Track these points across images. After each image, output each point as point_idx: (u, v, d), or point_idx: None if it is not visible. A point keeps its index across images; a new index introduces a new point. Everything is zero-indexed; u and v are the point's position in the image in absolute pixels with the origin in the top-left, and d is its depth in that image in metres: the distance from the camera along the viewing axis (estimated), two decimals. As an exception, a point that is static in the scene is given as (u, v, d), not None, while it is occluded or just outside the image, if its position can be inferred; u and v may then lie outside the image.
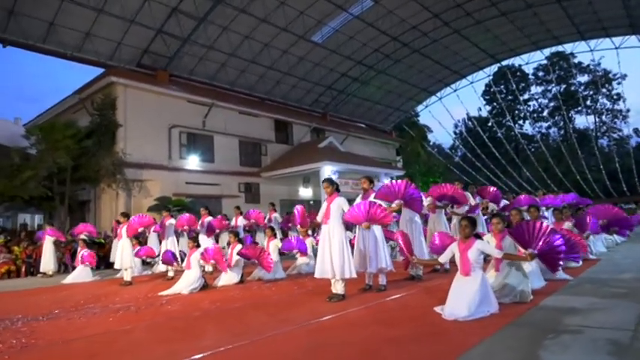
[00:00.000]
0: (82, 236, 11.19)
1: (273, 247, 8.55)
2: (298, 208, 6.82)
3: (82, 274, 9.90)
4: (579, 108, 43.21)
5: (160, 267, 10.02)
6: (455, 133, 49.29)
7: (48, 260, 11.34)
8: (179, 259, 8.33)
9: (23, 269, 12.19)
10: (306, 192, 24.46)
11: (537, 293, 5.20)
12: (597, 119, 44.83)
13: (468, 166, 40.86)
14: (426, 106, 38.36)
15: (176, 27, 20.44)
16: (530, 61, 35.90)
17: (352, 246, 6.18)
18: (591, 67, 41.90)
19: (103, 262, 12.68)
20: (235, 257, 7.89)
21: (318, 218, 5.93)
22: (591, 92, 44.05)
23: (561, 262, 4.90)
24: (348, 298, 5.59)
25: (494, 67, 36.53)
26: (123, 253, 8.76)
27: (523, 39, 30.66)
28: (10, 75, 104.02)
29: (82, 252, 10.04)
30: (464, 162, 42.65)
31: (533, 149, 44.39)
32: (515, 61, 36.35)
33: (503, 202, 10.15)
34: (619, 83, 42.77)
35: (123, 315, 5.33)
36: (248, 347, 3.58)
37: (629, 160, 38.89)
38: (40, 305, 6.30)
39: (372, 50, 27.33)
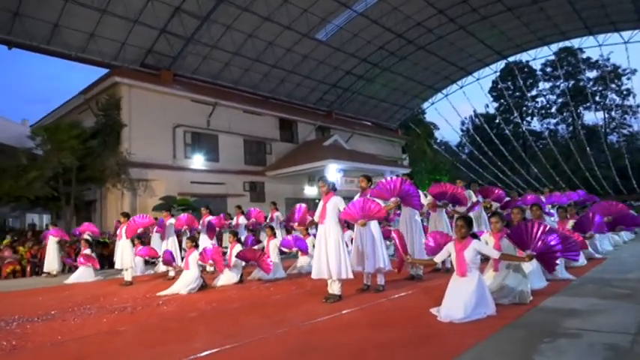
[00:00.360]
0: (86, 236, 11.25)
1: (272, 246, 8.50)
2: (301, 206, 6.77)
3: (84, 274, 9.91)
4: (588, 104, 42.63)
5: (162, 267, 10.02)
6: (462, 130, 48.96)
7: (52, 260, 11.40)
8: (179, 259, 8.31)
9: (28, 269, 12.26)
10: (311, 190, 24.39)
11: (538, 294, 5.10)
12: (606, 115, 44.25)
13: (475, 164, 40.53)
14: (432, 104, 38.10)
15: (179, 26, 20.43)
16: (538, 56, 35.53)
17: None
18: (600, 62, 41.29)
19: (107, 261, 12.71)
20: (234, 257, 7.85)
21: (315, 218, 5.86)
22: (600, 88, 43.44)
23: (558, 262, 4.79)
24: (344, 298, 5.52)
25: (501, 64, 36.16)
26: (123, 254, 8.76)
27: (529, 35, 30.27)
28: (19, 77, 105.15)
29: (83, 252, 10.06)
30: (471, 159, 42.30)
31: (541, 146, 43.90)
32: (522, 57, 35.98)
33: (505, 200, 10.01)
34: (629, 78, 42.22)
35: (118, 316, 5.31)
36: (237, 350, 3.53)
37: (639, 156, 38.28)
38: (38, 306, 6.30)
39: (377, 47, 27.14)
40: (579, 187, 30.20)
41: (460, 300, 4.16)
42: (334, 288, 5.52)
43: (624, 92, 42.98)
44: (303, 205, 7.16)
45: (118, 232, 9.34)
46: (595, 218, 6.57)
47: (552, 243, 4.56)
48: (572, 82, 44.29)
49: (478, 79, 36.03)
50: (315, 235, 9.72)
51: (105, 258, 12.71)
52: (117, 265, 9.01)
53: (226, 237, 11.23)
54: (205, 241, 9.42)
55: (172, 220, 9.68)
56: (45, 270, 11.46)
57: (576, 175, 37.23)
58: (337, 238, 5.50)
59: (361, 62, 28.04)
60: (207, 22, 20.74)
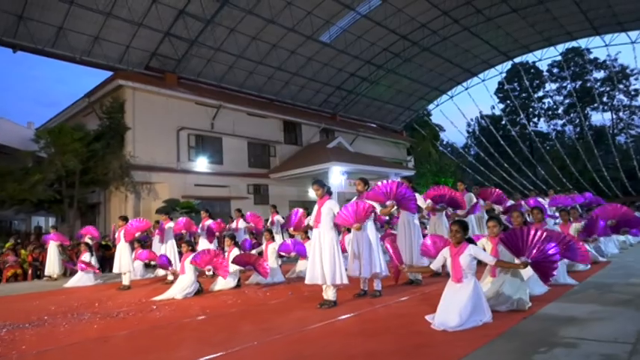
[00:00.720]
0: (86, 239, 11.24)
1: (271, 250, 8.42)
2: (298, 211, 6.68)
3: (83, 278, 9.88)
4: (595, 105, 42.16)
5: (161, 271, 9.96)
6: (468, 131, 48.64)
7: (52, 264, 11.40)
8: (177, 263, 8.24)
9: (30, 272, 12.27)
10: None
11: (537, 300, 4.96)
12: (614, 116, 43.74)
13: (481, 166, 40.22)
14: (437, 105, 37.90)
15: (183, 29, 20.50)
16: (544, 57, 35.20)
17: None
18: (607, 62, 40.83)
19: (109, 264, 12.68)
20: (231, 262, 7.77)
21: (310, 222, 5.77)
22: (608, 88, 42.96)
23: (554, 273, 4.64)
24: (340, 304, 5.42)
25: (507, 65, 35.86)
26: (121, 257, 8.72)
27: (535, 35, 30.00)
28: (27, 79, 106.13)
29: (82, 258, 10.03)
30: (477, 161, 41.97)
31: (548, 147, 43.46)
32: (528, 57, 35.70)
33: (510, 203, 9.86)
34: (637, 79, 41.65)
35: (109, 322, 5.25)
36: (222, 359, 3.44)
37: (648, 157, 37.71)
38: (32, 311, 6.26)
39: (381, 49, 27.05)
40: (587, 188, 29.86)
41: (455, 307, 4.04)
42: (329, 294, 5.42)
43: (632, 93, 42.50)
44: (301, 210, 7.06)
45: (116, 236, 9.29)
46: (599, 222, 6.40)
47: (550, 252, 4.42)
48: (579, 82, 43.85)
49: (484, 81, 35.83)
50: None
51: (107, 261, 12.68)
52: (115, 269, 8.96)
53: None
54: (205, 245, 9.36)
55: (171, 224, 9.63)
56: (46, 274, 11.46)
57: (584, 177, 36.80)
58: (332, 242, 5.40)
59: (365, 64, 27.96)
60: (212, 25, 20.81)
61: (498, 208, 8.80)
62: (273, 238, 8.73)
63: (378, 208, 5.87)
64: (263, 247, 8.66)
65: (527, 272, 5.38)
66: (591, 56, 41.05)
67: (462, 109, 37.73)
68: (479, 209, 8.40)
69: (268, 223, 11.63)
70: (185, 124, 19.78)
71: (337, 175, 20.75)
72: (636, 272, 6.83)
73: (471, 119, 48.33)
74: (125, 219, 9.08)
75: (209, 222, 10.01)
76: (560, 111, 45.09)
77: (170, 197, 17.80)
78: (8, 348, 4.12)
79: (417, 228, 6.82)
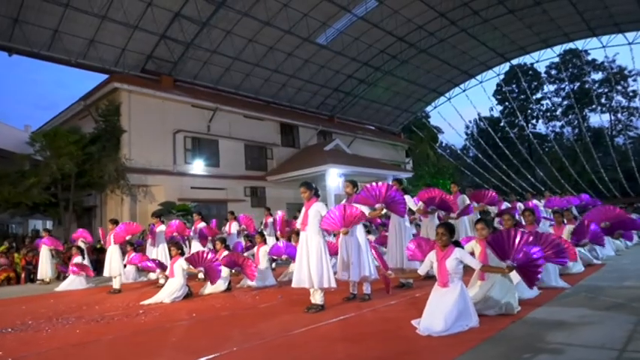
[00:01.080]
0: (79, 243, 11.16)
1: (262, 253, 8.33)
2: (278, 215, 6.59)
3: (75, 281, 9.81)
4: (594, 106, 42.15)
5: (153, 274, 9.88)
6: (466, 133, 48.60)
7: (45, 267, 11.35)
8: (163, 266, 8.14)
9: (23, 276, 12.21)
10: (312, 195, 24.21)
11: (527, 304, 4.89)
12: (613, 117, 43.72)
13: (479, 167, 40.16)
14: (435, 107, 37.84)
15: (179, 32, 20.46)
16: (541, 59, 35.13)
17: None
18: (605, 64, 40.85)
19: (102, 268, 12.60)
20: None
21: (297, 224, 5.70)
22: (606, 90, 42.95)
23: (538, 277, 4.56)
24: (328, 308, 5.35)
25: (504, 66, 35.82)
26: (111, 261, 8.65)
27: (532, 37, 29.97)
28: (25, 83, 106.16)
29: (74, 261, 9.95)
30: (476, 163, 41.91)
31: (546, 149, 43.45)
32: (526, 59, 35.64)
33: (505, 205, 9.79)
34: (635, 80, 41.62)
35: (92, 326, 5.18)
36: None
37: (646, 158, 37.63)
38: (18, 315, 6.18)
39: (378, 51, 27.00)
40: (586, 190, 29.78)
41: (441, 312, 3.96)
42: (316, 297, 5.34)
43: (630, 94, 42.48)
44: (279, 214, 6.98)
45: (106, 239, 9.21)
46: (590, 226, 6.31)
47: (535, 256, 4.35)
48: (577, 84, 43.85)
49: (481, 82, 35.77)
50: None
51: (100, 264, 12.59)
52: (105, 273, 8.89)
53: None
54: (197, 249, 9.28)
55: (162, 228, 9.56)
56: (38, 277, 11.40)
57: (583, 178, 36.75)
58: (319, 245, 5.33)
59: (362, 66, 27.90)
60: (207, 28, 20.77)
61: (493, 210, 8.72)
62: (265, 241, 8.63)
63: (367, 211, 5.80)
64: (255, 249, 8.57)
65: (517, 276, 5.33)
66: (589, 57, 41.08)
67: (460, 111, 37.72)
68: (472, 211, 8.31)
69: (262, 226, 11.56)
70: (181, 126, 19.71)
71: (334, 177, 20.67)
72: (630, 275, 6.74)
73: (470, 121, 48.36)
74: (115, 222, 9.01)
75: (202, 225, 9.94)
76: (558, 113, 45.08)
77: (166, 200, 17.74)
78: (-15, 355, 4.05)
79: (408, 230, 6.75)
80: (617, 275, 6.79)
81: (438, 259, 4.29)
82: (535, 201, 11.63)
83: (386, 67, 28.70)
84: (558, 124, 46.12)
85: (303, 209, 5.60)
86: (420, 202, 7.16)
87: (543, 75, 44.04)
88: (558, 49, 33.74)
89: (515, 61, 35.46)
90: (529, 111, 46.77)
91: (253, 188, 22.33)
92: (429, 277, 7.26)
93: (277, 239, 10.06)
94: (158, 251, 9.33)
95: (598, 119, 42.47)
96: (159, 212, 15.53)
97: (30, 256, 12.43)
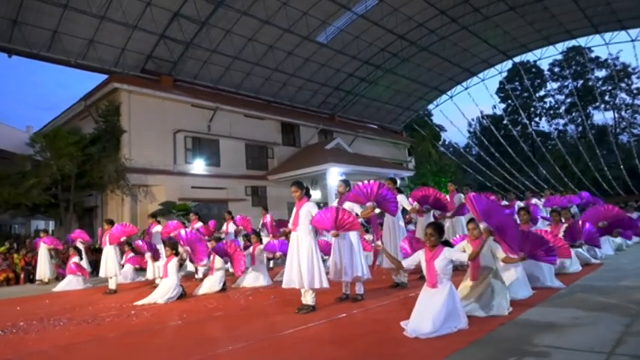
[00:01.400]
0: (78, 244, 11.17)
1: (258, 252, 8.32)
2: (267, 217, 6.57)
3: (72, 282, 9.83)
4: (597, 104, 41.86)
5: (150, 274, 9.85)
6: (469, 131, 48.42)
7: (44, 268, 11.37)
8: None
9: (22, 276, 12.24)
10: (314, 194, 24.19)
11: (520, 304, 4.82)
12: (616, 115, 43.41)
13: (482, 166, 39.97)
14: (437, 105, 37.72)
15: (178, 32, 20.45)
16: (543, 56, 34.95)
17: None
18: (609, 61, 40.54)
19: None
20: (217, 264, 7.68)
21: (289, 225, 5.66)
22: (610, 87, 42.65)
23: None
24: (319, 309, 5.30)
25: (506, 64, 35.63)
26: (107, 261, 8.64)
27: (534, 34, 29.77)
28: (27, 85, 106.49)
29: (73, 261, 9.96)
30: (478, 161, 41.72)
31: (550, 147, 43.20)
32: (528, 57, 35.47)
33: (503, 204, 9.71)
34: (639, 77, 41.38)
35: (83, 328, 5.16)
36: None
37: (650, 156, 37.30)
38: (10, 316, 6.18)
39: (379, 49, 26.90)
40: (589, 188, 29.63)
41: (429, 313, 3.91)
42: (307, 298, 5.30)
43: (634, 91, 42.17)
44: (268, 217, 6.97)
45: (102, 240, 9.21)
46: (585, 226, 6.22)
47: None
48: (580, 81, 43.56)
49: (483, 80, 35.60)
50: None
51: (99, 264, 12.60)
52: (101, 274, 8.87)
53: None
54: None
55: (159, 228, 9.54)
56: (37, 278, 11.43)
57: (586, 176, 36.51)
58: (310, 245, 5.28)
59: (363, 64, 27.82)
60: (207, 27, 20.75)
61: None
62: (261, 241, 8.61)
63: (359, 210, 5.75)
64: (251, 249, 8.54)
65: (513, 275, 5.28)
66: (592, 55, 40.76)
67: (462, 109, 37.57)
68: (467, 211, 8.22)
69: (260, 225, 11.52)
70: (181, 126, 19.70)
71: (335, 176, 20.58)
72: (628, 274, 6.66)
73: (472, 119, 48.16)
74: (111, 223, 9.00)
75: (199, 225, 9.91)
76: (561, 110, 44.81)
77: (167, 200, 17.73)
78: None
79: (402, 229, 6.70)
80: (615, 275, 6.71)
81: (427, 260, 4.24)
82: (535, 200, 11.53)
83: (387, 66, 28.60)
84: (562, 121, 45.87)
85: (294, 209, 5.56)
86: (415, 202, 7.09)
87: (546, 72, 43.80)
88: (561, 46, 33.54)
89: (517, 59, 35.32)
90: (532, 109, 46.52)
91: (254, 187, 22.30)
92: (423, 277, 7.27)
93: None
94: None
95: (602, 117, 42.23)
96: (162, 212, 15.66)
97: (29, 257, 12.46)
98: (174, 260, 7.17)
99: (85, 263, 10.81)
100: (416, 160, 34.01)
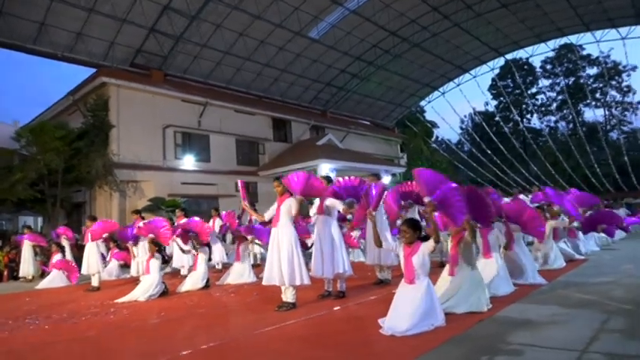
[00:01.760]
0: (63, 240, 11.04)
1: (243, 248, 8.27)
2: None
3: (55, 279, 9.69)
4: (588, 101, 42.11)
5: (134, 271, 9.75)
6: (461, 128, 48.52)
7: (27, 265, 11.21)
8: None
9: (5, 274, 12.08)
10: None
11: (500, 301, 4.81)
12: (607, 112, 43.69)
13: (474, 162, 40.09)
14: (429, 102, 37.74)
15: (168, 26, 20.20)
16: (535, 53, 34.98)
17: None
18: (600, 59, 40.78)
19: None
20: (200, 262, 7.61)
21: (266, 217, 5.63)
22: (600, 85, 42.90)
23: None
24: (300, 306, 5.25)
25: (498, 61, 35.65)
26: (89, 258, 8.53)
27: (526, 31, 29.79)
28: (16, 78, 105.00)
29: (54, 258, 9.83)
30: (470, 158, 41.84)
31: (541, 144, 43.42)
32: (520, 54, 35.50)
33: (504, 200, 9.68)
34: (629, 75, 41.67)
35: (58, 327, 5.08)
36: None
37: (639, 153, 37.65)
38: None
39: (371, 46, 26.79)
40: (579, 184, 29.80)
41: (406, 310, 3.87)
42: (288, 295, 5.24)
43: (625, 89, 42.46)
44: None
45: (85, 236, 9.09)
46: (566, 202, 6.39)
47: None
48: (572, 79, 43.77)
49: (475, 77, 35.62)
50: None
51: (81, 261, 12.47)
52: (83, 271, 8.76)
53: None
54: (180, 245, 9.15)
55: (141, 224, 9.41)
56: (21, 275, 11.27)
57: (576, 173, 36.73)
58: (290, 241, 5.22)
59: (355, 60, 27.70)
60: (197, 21, 20.51)
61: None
62: (245, 238, 8.53)
63: (341, 207, 5.70)
64: (235, 246, 8.48)
65: (491, 272, 5.26)
66: (584, 52, 40.97)
67: (454, 106, 37.60)
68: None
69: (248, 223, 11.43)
70: (171, 121, 19.54)
71: (326, 172, 20.57)
72: (609, 271, 6.67)
73: (465, 116, 48.28)
74: (94, 219, 8.89)
75: (184, 221, 9.79)
76: (553, 107, 45.03)
77: (156, 195, 17.58)
78: None
79: (386, 224, 6.65)
80: (597, 271, 6.72)
81: (405, 255, 4.18)
82: (522, 196, 11.51)
83: (379, 62, 28.51)
84: (553, 118, 46.13)
85: (275, 204, 5.50)
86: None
87: (538, 70, 43.95)
88: (552, 43, 33.60)
89: (509, 56, 35.32)
90: (524, 106, 46.69)
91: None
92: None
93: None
94: (138, 248, 9.19)
95: (592, 114, 42.51)
96: (151, 208, 15.51)
97: (13, 254, 12.28)
98: (157, 257, 7.08)
99: (70, 259, 10.66)
100: (408, 157, 34.02)
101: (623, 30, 28.96)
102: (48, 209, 17.03)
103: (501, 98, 45.55)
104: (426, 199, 4.34)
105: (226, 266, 9.60)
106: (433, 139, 41.54)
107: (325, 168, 20.49)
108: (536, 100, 46.82)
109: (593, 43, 31.82)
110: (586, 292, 5.10)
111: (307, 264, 5.49)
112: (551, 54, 38.02)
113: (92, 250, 8.57)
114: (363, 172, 21.59)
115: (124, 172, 17.53)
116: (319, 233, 5.75)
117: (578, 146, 37.36)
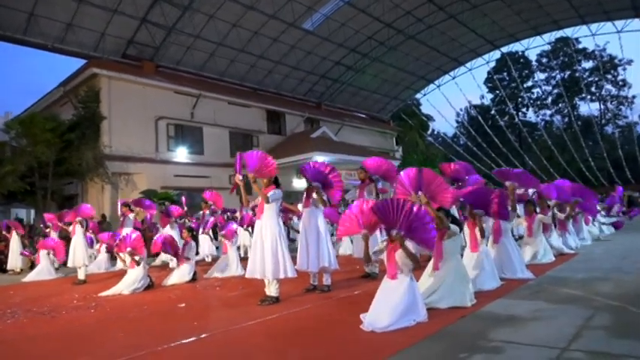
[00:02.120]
0: (52, 233, 10.90)
1: (230, 243, 8.18)
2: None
3: (43, 271, 9.58)
4: (583, 95, 42.08)
5: (120, 264, 9.63)
6: (457, 121, 48.43)
7: (15, 257, 11.11)
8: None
9: (-6, 266, 11.96)
10: (300, 183, 23.98)
11: (486, 296, 4.75)
12: (602, 106, 43.73)
13: (469, 155, 40.06)
14: (424, 95, 37.59)
15: (160, 16, 19.95)
16: (531, 46, 34.89)
17: None
18: (596, 52, 40.67)
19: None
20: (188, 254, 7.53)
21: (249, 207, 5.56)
22: (596, 79, 42.85)
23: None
24: (284, 300, 5.18)
25: (494, 54, 35.59)
26: (75, 251, 8.43)
27: (522, 24, 29.64)
28: (8, 69, 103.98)
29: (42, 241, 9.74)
30: (466, 151, 41.81)
31: (536, 137, 43.44)
32: (515, 47, 35.37)
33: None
34: (624, 69, 41.65)
35: (37, 321, 4.99)
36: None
37: (634, 147, 37.77)
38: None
39: (366, 37, 26.58)
40: (574, 178, 29.85)
41: (387, 306, 3.80)
42: (271, 289, 5.16)
43: (620, 83, 42.42)
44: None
45: (70, 229, 8.98)
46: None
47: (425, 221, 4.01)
48: (568, 72, 43.69)
49: (470, 70, 35.50)
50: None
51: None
52: (69, 263, 8.65)
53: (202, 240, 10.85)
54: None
55: (132, 216, 9.34)
56: (8, 267, 11.17)
57: (571, 167, 36.82)
58: (274, 234, 5.13)
59: (350, 52, 27.52)
60: (189, 12, 20.26)
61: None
62: (236, 231, 8.46)
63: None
64: (222, 239, 8.40)
65: (477, 267, 5.20)
66: (580, 46, 40.88)
67: (450, 99, 37.53)
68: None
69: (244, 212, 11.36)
70: (164, 113, 19.37)
71: (319, 165, 20.48)
72: (598, 266, 6.62)
73: (460, 109, 48.19)
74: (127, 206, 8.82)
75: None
76: (548, 101, 44.98)
77: (148, 188, 17.45)
78: None
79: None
80: (586, 266, 6.66)
81: (388, 250, 4.11)
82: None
83: (374, 54, 28.32)
84: (548, 112, 46.11)
85: (259, 197, 5.40)
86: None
87: (534, 63, 43.83)
88: (548, 36, 33.50)
89: (505, 49, 35.20)
90: (519, 99, 46.64)
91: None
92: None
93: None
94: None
95: (587, 108, 42.54)
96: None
97: (2, 246, 12.15)
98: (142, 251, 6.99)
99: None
100: (403, 150, 33.96)
101: (619, 23, 28.91)
102: (39, 202, 16.88)
103: (497, 91, 45.45)
104: (393, 233, 4.03)
105: (215, 259, 9.54)
106: (429, 133, 41.46)
107: (319, 160, 20.37)
108: (532, 93, 46.81)
109: (588, 36, 31.79)
110: (573, 287, 5.04)
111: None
112: (547, 47, 37.90)
113: (79, 243, 8.46)
114: (358, 165, 21.50)
115: (115, 165, 17.38)
116: (305, 226, 5.69)
117: (573, 140, 37.41)
